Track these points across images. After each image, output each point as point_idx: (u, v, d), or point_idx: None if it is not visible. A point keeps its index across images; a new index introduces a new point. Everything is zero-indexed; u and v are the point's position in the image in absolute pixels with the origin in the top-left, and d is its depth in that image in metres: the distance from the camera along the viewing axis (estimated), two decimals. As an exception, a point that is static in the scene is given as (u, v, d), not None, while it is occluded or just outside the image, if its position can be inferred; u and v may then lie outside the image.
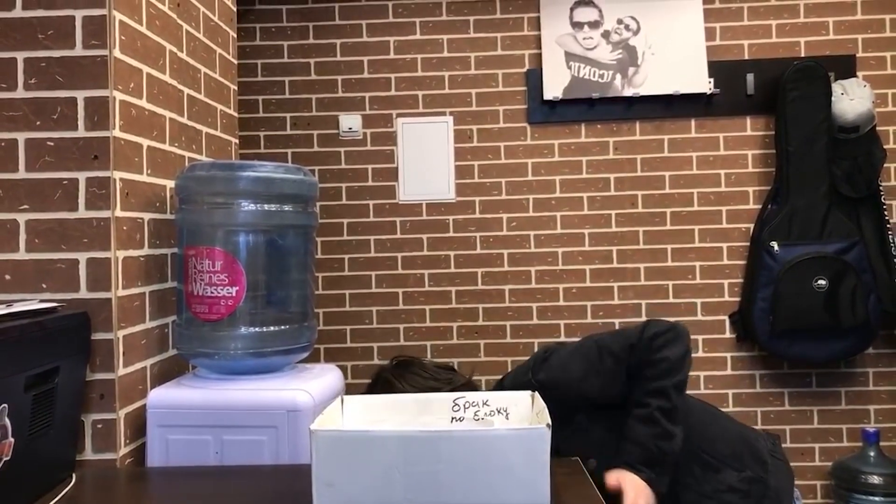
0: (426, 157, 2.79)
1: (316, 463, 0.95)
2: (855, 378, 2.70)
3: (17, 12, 1.28)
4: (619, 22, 2.75)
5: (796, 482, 2.69)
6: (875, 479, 2.45)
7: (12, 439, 1.02)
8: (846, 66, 2.69)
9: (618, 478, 1.39)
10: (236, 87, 1.97)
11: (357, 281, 2.79)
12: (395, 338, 2.77)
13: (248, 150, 2.77)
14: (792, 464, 2.64)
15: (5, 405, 0.99)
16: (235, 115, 1.96)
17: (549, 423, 0.96)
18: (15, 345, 1.01)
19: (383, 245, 2.78)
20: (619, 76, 2.73)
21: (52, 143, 1.27)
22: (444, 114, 2.79)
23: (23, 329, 1.04)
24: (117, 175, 1.30)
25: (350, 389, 1.57)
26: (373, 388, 1.65)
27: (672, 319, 2.64)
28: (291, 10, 2.82)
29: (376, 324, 2.78)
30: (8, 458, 1.01)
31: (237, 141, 1.97)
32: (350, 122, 2.80)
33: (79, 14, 1.28)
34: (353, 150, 2.81)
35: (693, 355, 2.71)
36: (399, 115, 2.80)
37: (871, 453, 2.50)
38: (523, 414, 1.17)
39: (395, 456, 0.94)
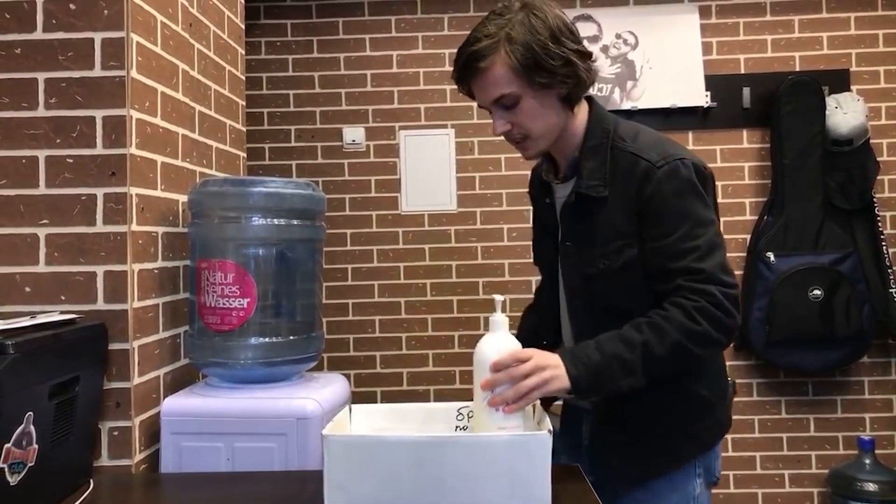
0: (428, 169, 2.84)
1: (328, 467, 0.99)
2: (850, 387, 2.74)
3: (39, 34, 1.33)
4: (618, 37, 2.81)
5: (793, 489, 2.74)
6: (871, 487, 2.48)
7: (36, 446, 1.06)
8: (840, 81, 2.75)
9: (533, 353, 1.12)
10: (244, 103, 2.02)
11: (360, 290, 2.83)
12: (397, 346, 2.81)
13: (254, 161, 2.82)
14: (789, 471, 2.73)
15: (31, 413, 1.04)
16: (243, 129, 2.01)
17: (550, 429, 1.00)
18: (40, 355, 1.06)
19: (386, 255, 2.83)
20: (617, 90, 2.78)
21: (71, 161, 1.32)
22: (445, 126, 2.84)
23: (47, 340, 1.09)
24: (133, 191, 1.35)
25: (354, 398, 1.61)
26: None
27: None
28: (296, 24, 2.88)
29: (379, 333, 2.82)
30: (32, 464, 1.06)
31: (245, 155, 2.02)
32: (353, 134, 2.85)
33: (98, 36, 1.33)
34: (357, 161, 2.86)
35: (691, 364, 2.76)
36: (402, 128, 2.85)
37: (867, 461, 2.53)
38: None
39: (404, 460, 0.99)
